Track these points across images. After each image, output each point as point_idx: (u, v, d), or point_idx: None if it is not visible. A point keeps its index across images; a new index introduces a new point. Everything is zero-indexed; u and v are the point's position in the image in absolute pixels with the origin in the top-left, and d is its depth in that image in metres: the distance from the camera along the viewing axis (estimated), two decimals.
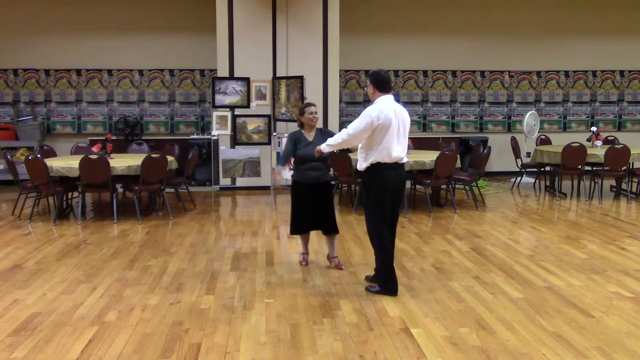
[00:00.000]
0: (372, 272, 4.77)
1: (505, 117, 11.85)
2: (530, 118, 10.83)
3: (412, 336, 3.71)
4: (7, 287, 4.74)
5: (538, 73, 11.83)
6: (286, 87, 9.12)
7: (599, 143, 9.32)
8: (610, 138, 10.24)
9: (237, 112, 9.23)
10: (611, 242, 6.19)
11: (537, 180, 10.34)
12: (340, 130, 4.85)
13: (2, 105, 10.80)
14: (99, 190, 7.61)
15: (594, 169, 8.99)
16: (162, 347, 3.57)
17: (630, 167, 8.99)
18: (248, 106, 9.13)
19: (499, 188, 10.09)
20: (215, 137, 9.19)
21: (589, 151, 8.70)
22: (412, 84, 11.53)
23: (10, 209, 8.06)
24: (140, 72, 10.96)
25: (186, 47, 10.87)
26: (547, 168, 9.53)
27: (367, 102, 11.38)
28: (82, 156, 7.19)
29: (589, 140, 9.53)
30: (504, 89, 11.79)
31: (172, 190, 8.29)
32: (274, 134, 9.06)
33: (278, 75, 9.59)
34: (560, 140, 10.48)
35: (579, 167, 8.83)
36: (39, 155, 7.35)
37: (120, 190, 8.06)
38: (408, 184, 8.25)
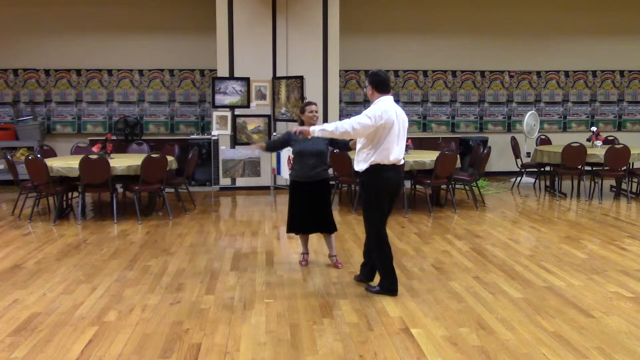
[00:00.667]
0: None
1: (505, 117, 11.85)
2: (530, 118, 10.83)
3: (412, 336, 3.71)
4: (7, 287, 4.74)
5: (538, 73, 11.83)
6: (286, 87, 9.12)
7: (599, 143, 9.32)
8: (610, 138, 10.24)
9: (237, 112, 9.23)
10: (611, 242, 6.19)
11: (537, 180, 10.34)
12: None
13: (2, 105, 10.79)
14: (99, 190, 7.61)
15: (594, 169, 8.99)
16: (162, 347, 3.57)
17: (630, 167, 8.99)
18: (248, 106, 9.14)
19: (499, 188, 10.10)
20: (215, 137, 9.19)
21: (589, 151, 8.70)
22: (412, 84, 11.53)
23: (10, 209, 8.07)
24: (140, 72, 10.96)
25: (186, 47, 10.87)
26: (547, 168, 9.53)
27: (367, 102, 11.37)
28: (82, 156, 7.19)
29: (589, 140, 9.53)
30: (504, 89, 11.79)
31: (172, 190, 8.29)
32: (274, 134, 9.06)
33: (278, 75, 9.59)
34: (560, 140, 10.48)
35: (579, 167, 8.83)
36: (39, 155, 7.34)
37: (120, 190, 8.07)
38: (408, 184, 8.29)
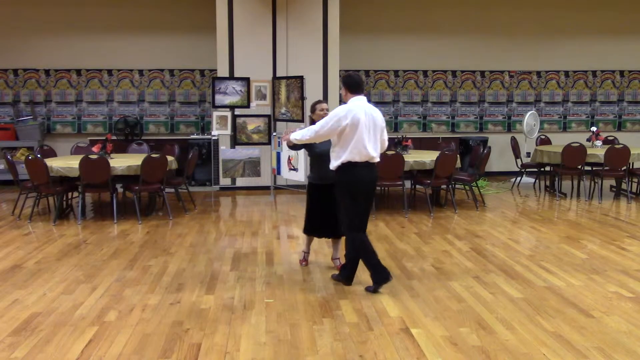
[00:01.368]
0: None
1: (505, 117, 11.85)
2: (530, 118, 10.83)
3: (412, 336, 3.71)
4: (7, 287, 4.74)
5: (538, 73, 11.83)
6: (286, 87, 9.12)
7: (599, 143, 9.32)
8: (610, 138, 10.23)
9: (237, 112, 9.23)
10: (611, 242, 6.19)
11: (537, 180, 10.34)
12: None
13: (2, 105, 10.80)
14: (99, 190, 7.61)
15: (594, 169, 8.99)
16: (162, 347, 3.57)
17: (630, 167, 8.99)
18: (248, 106, 9.14)
19: (499, 188, 10.10)
20: (215, 137, 9.19)
21: (589, 151, 8.70)
22: (412, 84, 11.53)
23: (10, 209, 8.07)
24: (140, 72, 10.96)
25: (186, 47, 10.87)
26: (547, 168, 9.53)
27: (367, 101, 11.38)
28: (82, 156, 7.19)
29: (589, 140, 9.53)
30: (504, 89, 11.79)
31: (172, 190, 8.29)
32: (274, 134, 9.06)
33: (278, 75, 9.59)
34: (560, 140, 10.48)
35: (579, 167, 8.83)
36: (39, 155, 7.34)
37: (120, 190, 8.06)
38: (408, 184, 8.29)
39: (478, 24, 11.46)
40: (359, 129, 4.45)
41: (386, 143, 4.80)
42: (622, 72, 12.03)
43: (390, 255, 5.70)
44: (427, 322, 3.95)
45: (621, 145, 8.65)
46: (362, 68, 11.32)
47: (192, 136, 10.50)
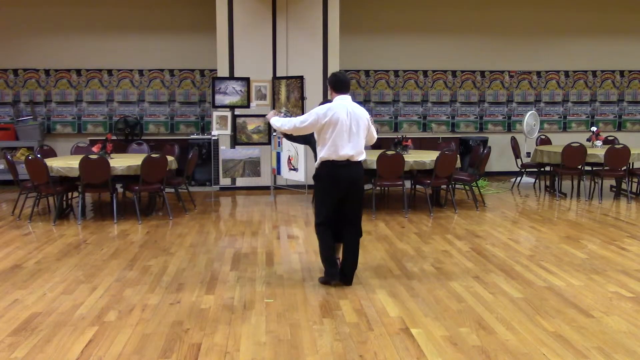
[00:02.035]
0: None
1: (505, 117, 11.85)
2: (530, 118, 10.83)
3: (412, 336, 3.71)
4: (7, 287, 4.74)
5: (538, 73, 11.83)
6: (286, 87, 9.13)
7: (599, 143, 9.32)
8: (610, 138, 10.23)
9: (237, 112, 9.23)
10: (611, 242, 6.19)
11: (537, 180, 10.34)
12: None
13: (2, 105, 10.80)
14: (99, 190, 7.61)
15: (594, 169, 8.99)
16: (162, 347, 3.57)
17: (630, 167, 8.99)
18: (248, 106, 9.14)
19: (499, 188, 10.09)
20: (215, 137, 9.19)
21: (589, 151, 8.70)
22: (412, 84, 11.53)
23: (10, 209, 8.07)
24: (140, 72, 10.96)
25: (186, 47, 10.87)
26: (547, 168, 9.53)
27: (367, 101, 11.41)
28: (82, 156, 7.19)
29: (589, 140, 9.53)
30: (504, 89, 11.79)
31: (172, 190, 8.29)
32: (274, 134, 9.06)
33: (278, 75, 9.59)
34: (560, 140, 10.48)
35: (579, 167, 8.83)
36: (39, 155, 7.34)
37: (120, 190, 8.06)
38: (408, 184, 8.29)
39: (478, 24, 11.46)
40: (338, 128, 4.52)
41: (374, 138, 4.88)
42: (622, 72, 12.03)
43: (390, 255, 5.70)
44: (427, 322, 3.95)
45: (621, 145, 8.65)
46: (362, 68, 11.33)
47: (192, 136, 10.50)
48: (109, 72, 10.89)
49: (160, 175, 7.41)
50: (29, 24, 10.61)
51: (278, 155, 9.07)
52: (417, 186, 8.65)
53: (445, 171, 7.76)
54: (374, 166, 7.54)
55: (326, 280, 4.71)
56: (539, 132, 10.96)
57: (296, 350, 3.52)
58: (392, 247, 6.03)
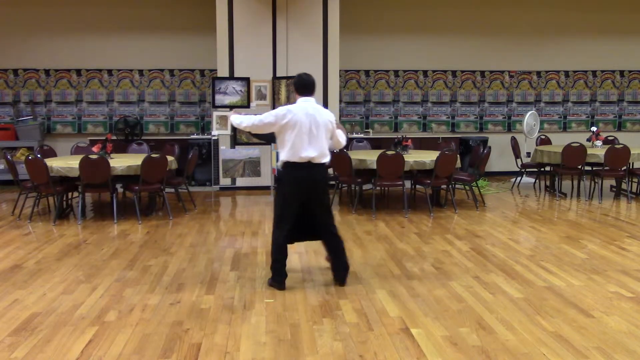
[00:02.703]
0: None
1: (505, 117, 11.85)
2: (530, 118, 10.83)
3: (412, 336, 3.71)
4: (7, 287, 4.74)
5: (538, 73, 11.83)
6: (286, 87, 9.13)
7: (599, 143, 9.31)
8: (610, 138, 10.23)
9: (243, 112, 9.23)
10: (611, 242, 6.19)
11: (537, 180, 10.34)
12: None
13: (2, 105, 10.80)
14: (99, 190, 7.61)
15: (594, 169, 8.99)
16: (162, 347, 3.57)
17: (630, 167, 8.98)
18: (248, 106, 9.14)
19: (499, 188, 10.09)
20: (215, 137, 9.19)
21: (589, 151, 8.70)
22: (412, 84, 11.53)
23: (10, 209, 8.07)
24: (140, 72, 10.96)
25: (186, 47, 10.87)
26: (547, 168, 9.53)
27: (367, 101, 11.42)
28: (82, 156, 7.19)
29: (589, 140, 9.53)
30: (504, 89, 11.79)
31: (172, 190, 8.29)
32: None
33: (278, 75, 9.59)
34: (560, 140, 10.48)
35: (579, 167, 8.83)
36: (39, 155, 7.34)
37: (120, 190, 8.06)
38: (408, 184, 8.29)
39: (478, 24, 11.46)
40: (297, 131, 4.52)
41: (341, 142, 4.89)
42: (622, 72, 12.03)
43: (390, 255, 5.70)
44: (427, 322, 3.95)
45: (621, 145, 8.65)
46: (362, 68, 11.33)
47: (192, 136, 10.50)
48: (109, 72, 10.89)
49: (160, 175, 7.41)
50: (29, 24, 10.62)
51: (278, 155, 9.06)
52: (417, 186, 8.65)
53: (445, 171, 7.76)
54: (374, 166, 7.53)
55: (271, 284, 4.71)
56: (539, 132, 10.96)
57: (296, 350, 3.52)
58: (392, 247, 6.03)
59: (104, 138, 8.24)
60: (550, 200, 8.98)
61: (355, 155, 8.07)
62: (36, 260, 5.52)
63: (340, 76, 10.60)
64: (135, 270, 5.20)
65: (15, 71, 10.77)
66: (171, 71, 11.00)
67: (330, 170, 8.53)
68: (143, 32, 10.84)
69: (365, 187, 8.30)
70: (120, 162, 7.36)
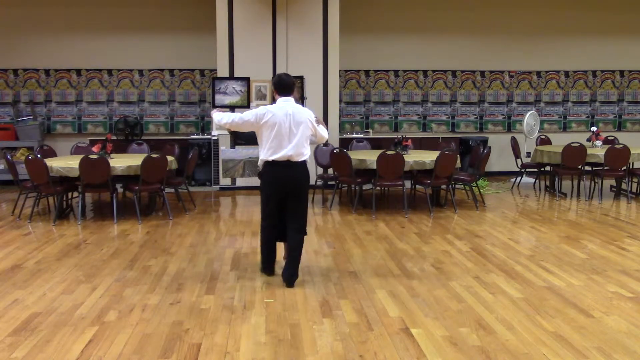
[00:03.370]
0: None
1: (505, 117, 11.85)
2: (530, 118, 10.83)
3: (412, 336, 3.71)
4: (7, 287, 4.74)
5: (538, 73, 11.83)
6: None
7: (599, 143, 9.31)
8: (610, 138, 10.23)
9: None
10: (611, 242, 6.19)
11: (537, 180, 10.34)
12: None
13: (2, 105, 10.80)
14: (99, 190, 7.61)
15: (594, 169, 8.99)
16: (162, 347, 3.57)
17: (630, 167, 8.98)
18: (248, 106, 9.12)
19: (499, 188, 10.09)
20: (215, 137, 9.19)
21: (589, 151, 8.70)
22: (412, 84, 11.53)
23: (10, 209, 8.07)
24: (140, 72, 10.96)
25: (186, 47, 10.87)
26: (547, 168, 9.53)
27: (367, 101, 11.41)
28: (82, 156, 7.19)
29: (589, 140, 9.52)
30: (504, 89, 11.79)
31: (172, 190, 8.29)
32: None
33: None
34: (560, 140, 10.48)
35: (579, 167, 8.83)
36: (39, 155, 7.34)
37: (120, 190, 8.07)
38: (408, 184, 8.29)
39: (478, 24, 11.46)
40: (276, 130, 4.64)
41: (324, 137, 5.02)
42: (622, 72, 12.03)
43: (390, 255, 5.70)
44: (427, 322, 3.95)
45: (621, 145, 8.65)
46: (362, 68, 11.33)
47: (192, 136, 10.50)
48: (109, 72, 10.89)
49: (160, 175, 7.41)
50: (29, 24, 10.61)
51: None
52: (417, 186, 8.65)
53: (445, 171, 7.75)
54: (374, 166, 7.53)
55: (262, 270, 5.05)
56: (539, 132, 10.96)
57: (296, 350, 3.52)
58: (392, 247, 6.03)
59: (104, 138, 8.25)
60: (550, 200, 8.98)
61: (355, 155, 8.07)
62: (36, 260, 5.52)
63: (340, 76, 10.60)
64: (135, 270, 5.20)
65: (15, 71, 10.77)
66: (171, 71, 11.00)
67: (330, 170, 8.54)
68: (143, 32, 10.84)
69: (365, 187, 8.30)
70: (120, 162, 7.36)
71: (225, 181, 9.66)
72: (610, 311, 4.15)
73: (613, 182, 9.56)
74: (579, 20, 11.66)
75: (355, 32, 10.97)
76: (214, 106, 9.08)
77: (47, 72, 10.80)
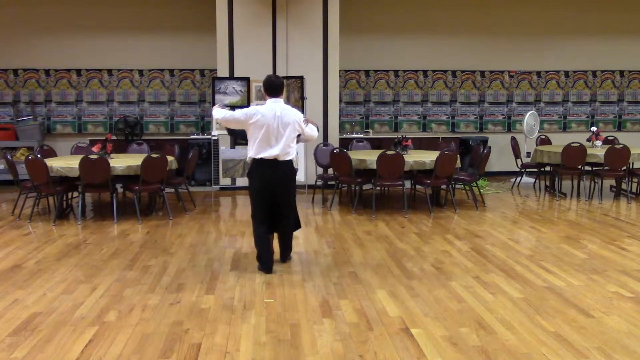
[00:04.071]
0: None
1: (505, 117, 11.85)
2: (530, 118, 10.83)
3: (412, 336, 3.71)
4: (7, 287, 4.74)
5: (538, 73, 11.83)
6: (286, 87, 9.12)
7: (599, 143, 9.31)
8: (610, 138, 10.23)
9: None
10: (611, 242, 6.19)
11: (537, 180, 10.34)
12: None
13: (2, 105, 10.79)
14: (99, 190, 7.61)
15: (594, 169, 8.99)
16: (162, 347, 3.57)
17: (630, 167, 8.98)
18: (248, 106, 9.10)
19: (499, 188, 10.10)
20: (215, 137, 9.19)
21: (589, 151, 8.70)
22: (412, 84, 11.53)
23: (10, 209, 8.07)
24: (140, 72, 10.96)
25: (186, 47, 10.87)
26: (547, 168, 9.53)
27: (367, 101, 11.41)
28: (82, 156, 7.19)
29: (589, 140, 9.52)
30: (504, 89, 11.79)
31: (172, 190, 8.29)
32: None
33: (279, 75, 9.58)
34: (560, 140, 10.48)
35: (579, 167, 8.83)
36: (39, 155, 7.34)
37: (120, 190, 8.06)
38: (408, 184, 8.29)
39: (478, 24, 11.46)
40: (265, 130, 4.92)
41: (312, 136, 5.31)
42: (622, 72, 12.03)
43: (390, 255, 5.70)
44: (427, 322, 3.95)
45: (621, 145, 8.65)
46: (362, 68, 11.33)
47: (192, 136, 10.50)
48: (109, 72, 10.89)
49: (160, 175, 7.41)
50: (29, 24, 10.61)
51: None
52: (417, 186, 8.65)
53: (445, 171, 7.75)
54: (374, 166, 7.53)
55: (259, 268, 5.14)
56: (539, 132, 10.96)
57: (296, 350, 3.52)
58: (392, 247, 6.03)
59: (104, 138, 8.24)
60: (550, 200, 8.98)
61: (355, 155, 8.07)
62: (36, 260, 5.52)
63: (340, 76, 10.60)
64: (135, 270, 5.20)
65: (15, 71, 10.77)
66: (171, 71, 11.00)
67: (330, 170, 8.54)
68: (143, 32, 10.84)
69: (365, 187, 8.30)
70: (120, 162, 7.36)
71: (225, 181, 9.66)
72: (610, 311, 4.15)
73: (613, 182, 9.56)
74: (579, 20, 11.67)
75: (355, 32, 10.97)
76: (214, 106, 9.08)
77: (47, 72, 10.80)
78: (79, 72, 10.85)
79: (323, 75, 9.73)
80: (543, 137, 10.48)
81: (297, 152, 8.81)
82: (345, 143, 9.82)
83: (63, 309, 4.21)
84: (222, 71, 9.60)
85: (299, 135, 5.21)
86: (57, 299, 4.44)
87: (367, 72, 11.39)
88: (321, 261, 5.47)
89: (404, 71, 11.48)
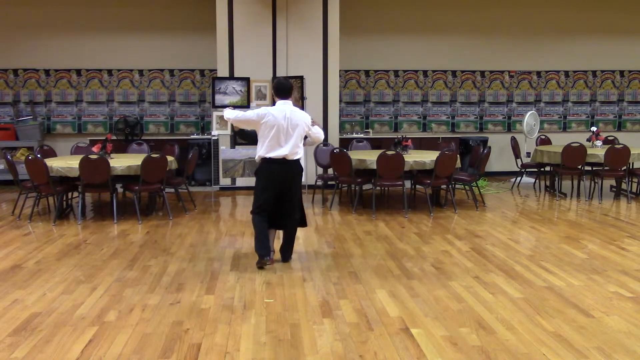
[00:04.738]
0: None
1: (505, 117, 11.85)
2: (530, 118, 10.83)
3: (412, 336, 3.71)
4: (7, 287, 4.74)
5: (538, 73, 11.83)
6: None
7: (599, 143, 9.31)
8: (610, 138, 10.23)
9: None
10: (611, 242, 6.19)
11: (537, 180, 10.34)
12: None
13: (2, 105, 10.79)
14: (99, 190, 7.61)
15: (594, 169, 8.99)
16: (162, 347, 3.57)
17: (630, 167, 8.98)
18: (248, 106, 9.13)
19: (499, 188, 10.10)
20: (215, 137, 9.20)
21: (589, 151, 8.70)
22: (412, 84, 11.53)
23: (10, 209, 8.07)
24: (140, 72, 10.96)
25: (186, 47, 10.87)
26: (547, 168, 9.53)
27: (367, 101, 11.41)
28: (82, 156, 7.19)
29: (589, 140, 9.52)
30: (504, 89, 11.79)
31: (172, 190, 8.29)
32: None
33: (278, 75, 9.59)
34: (560, 140, 10.48)
35: (579, 167, 8.83)
36: (39, 155, 7.34)
37: (120, 190, 8.06)
38: (408, 184, 8.29)
39: (478, 24, 11.46)
40: (275, 131, 5.07)
41: (319, 138, 5.48)
42: (622, 72, 12.03)
43: (390, 255, 5.70)
44: (427, 322, 3.95)
45: (621, 145, 8.65)
46: (362, 68, 11.33)
47: (192, 136, 10.50)
48: (109, 72, 10.89)
49: (160, 175, 7.41)
50: (29, 24, 10.61)
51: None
52: (417, 186, 8.65)
53: (445, 171, 7.75)
54: (374, 166, 7.53)
55: (259, 264, 5.18)
56: (539, 132, 10.96)
57: (296, 350, 3.52)
58: (392, 247, 6.03)
59: (104, 138, 8.24)
60: (550, 200, 8.98)
61: (355, 155, 8.07)
62: (36, 260, 5.52)
63: (340, 76, 10.60)
64: (135, 270, 5.20)
65: (15, 71, 10.77)
66: (171, 71, 11.00)
67: (330, 170, 8.54)
68: (143, 32, 10.84)
69: (365, 187, 8.30)
70: (120, 162, 7.36)
71: (225, 181, 9.66)
72: (610, 311, 4.15)
73: (613, 182, 9.56)
74: (579, 20, 11.66)
75: (355, 32, 10.97)
76: (214, 106, 9.09)
77: (47, 72, 10.80)
78: (79, 72, 10.85)
79: (323, 75, 9.73)
80: (543, 137, 10.48)
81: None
82: (345, 143, 9.82)
83: (63, 309, 4.21)
84: (222, 71, 9.60)
85: (305, 137, 5.34)
86: (57, 299, 4.44)
87: (367, 72, 11.39)
88: (321, 261, 5.47)
89: (404, 71, 11.48)
